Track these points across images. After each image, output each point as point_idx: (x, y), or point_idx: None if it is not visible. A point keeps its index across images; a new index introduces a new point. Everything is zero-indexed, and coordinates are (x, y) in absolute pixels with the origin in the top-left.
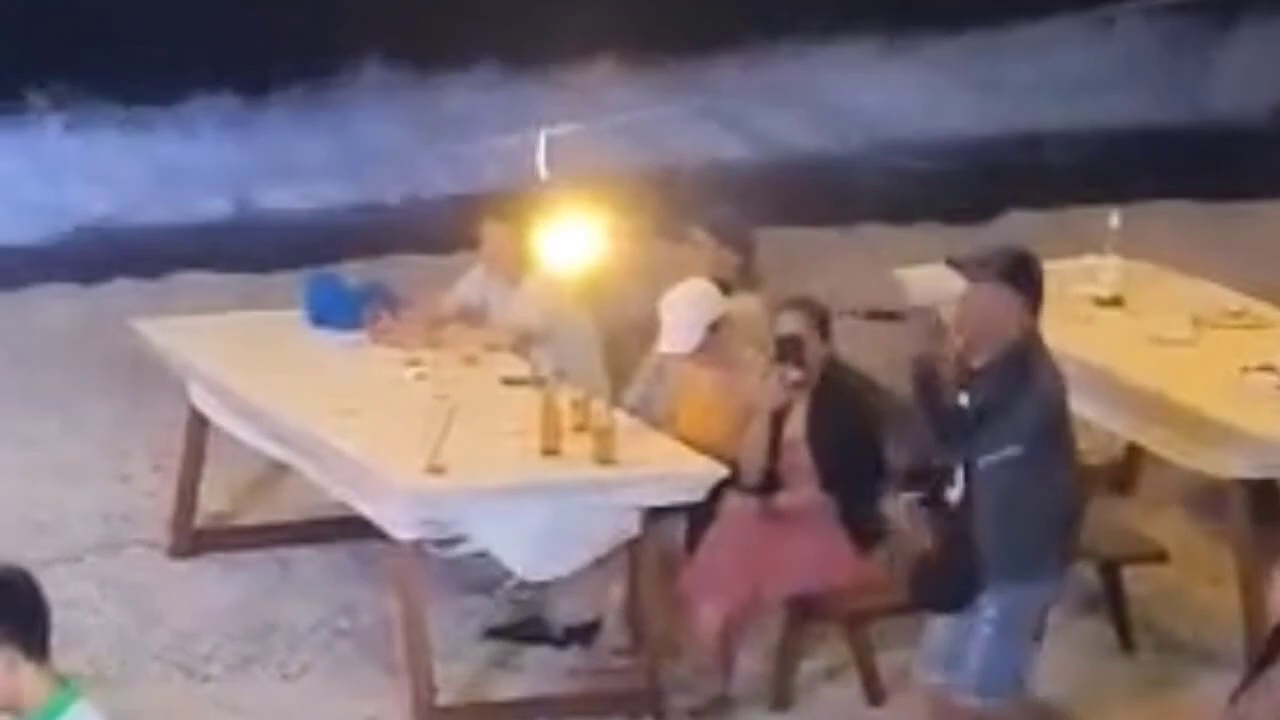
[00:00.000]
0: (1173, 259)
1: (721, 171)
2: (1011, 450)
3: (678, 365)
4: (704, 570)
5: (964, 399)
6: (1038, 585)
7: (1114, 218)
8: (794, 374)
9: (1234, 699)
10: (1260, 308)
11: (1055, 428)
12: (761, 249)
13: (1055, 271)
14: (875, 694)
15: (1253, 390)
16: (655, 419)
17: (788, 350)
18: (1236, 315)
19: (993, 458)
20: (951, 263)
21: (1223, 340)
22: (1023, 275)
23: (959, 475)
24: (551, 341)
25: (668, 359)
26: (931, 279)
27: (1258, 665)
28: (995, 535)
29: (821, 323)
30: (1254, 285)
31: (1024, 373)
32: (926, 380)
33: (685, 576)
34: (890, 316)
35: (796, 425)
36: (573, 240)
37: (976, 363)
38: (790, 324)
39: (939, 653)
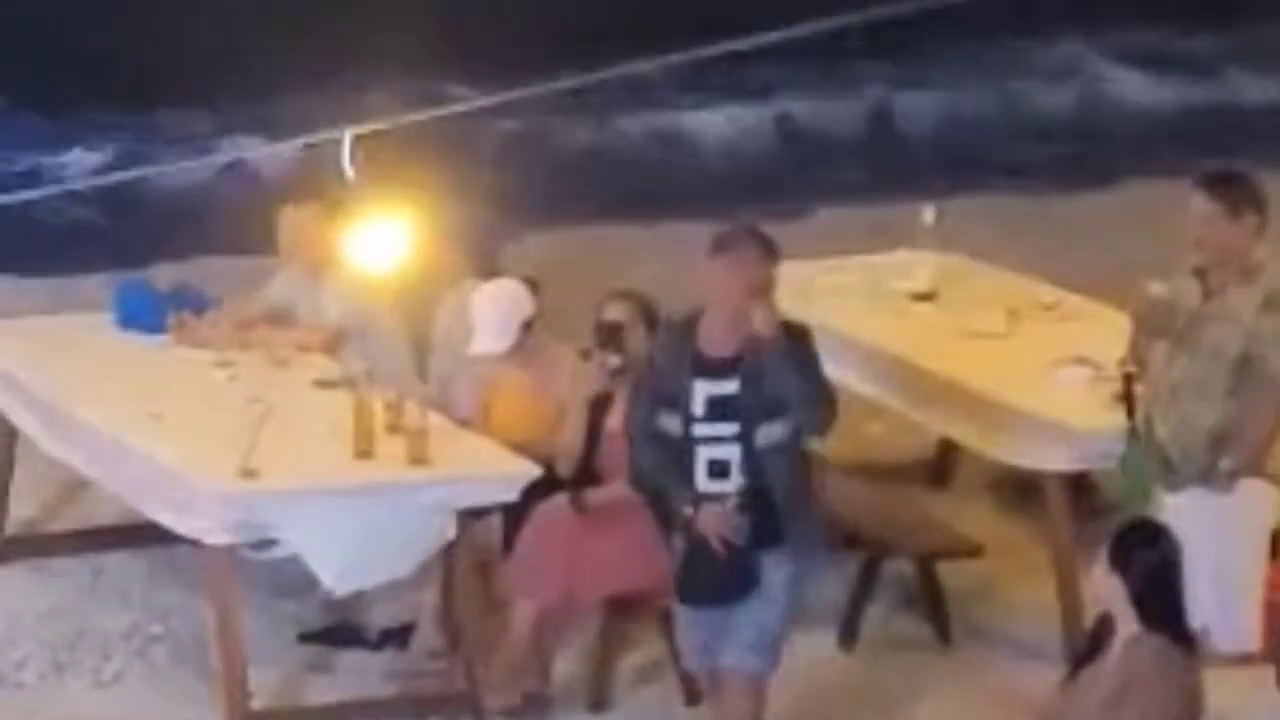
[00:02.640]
0: (988, 252)
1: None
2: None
3: (487, 365)
4: (518, 569)
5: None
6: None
7: (928, 213)
8: (614, 360)
9: (1061, 691)
10: (1074, 300)
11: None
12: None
13: (868, 266)
14: (692, 693)
15: (1066, 383)
16: (460, 417)
17: (608, 337)
18: (1050, 308)
19: (782, 438)
20: None
21: (1036, 333)
22: None
23: (738, 460)
24: (363, 340)
25: (480, 359)
26: None
27: (1081, 659)
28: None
29: (647, 315)
30: (1068, 277)
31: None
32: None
33: (500, 576)
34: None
35: (617, 418)
36: (380, 240)
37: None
38: (614, 312)
39: (701, 640)
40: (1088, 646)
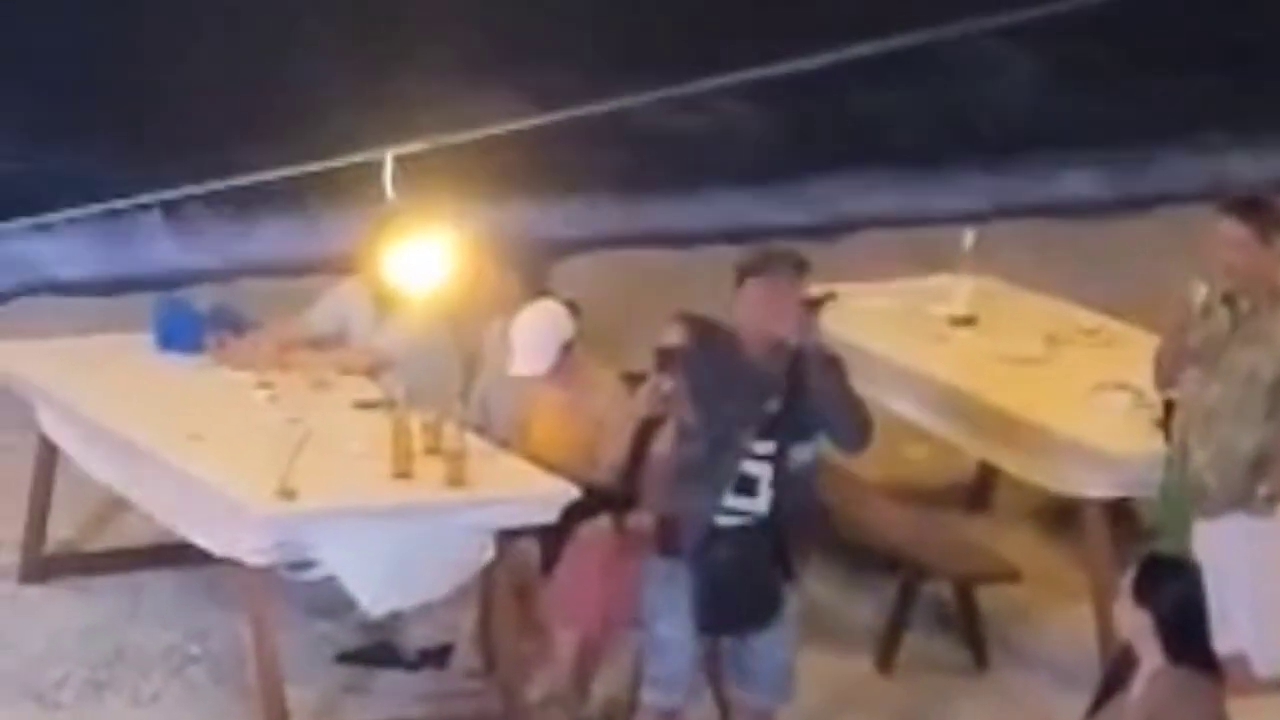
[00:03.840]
0: (1027, 277)
1: None
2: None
3: (526, 386)
4: (558, 595)
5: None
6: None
7: (968, 236)
8: (668, 384)
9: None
10: (1115, 325)
11: None
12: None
13: (907, 291)
14: (729, 717)
15: (1106, 408)
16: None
17: (666, 361)
18: (1091, 333)
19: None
20: None
21: (1076, 358)
22: None
23: (768, 478)
24: (409, 362)
25: (521, 380)
26: None
27: (1107, 688)
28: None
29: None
30: (1106, 302)
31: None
32: None
33: (539, 598)
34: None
35: (665, 442)
36: (426, 259)
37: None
38: (673, 336)
39: (682, 673)
40: (1108, 680)
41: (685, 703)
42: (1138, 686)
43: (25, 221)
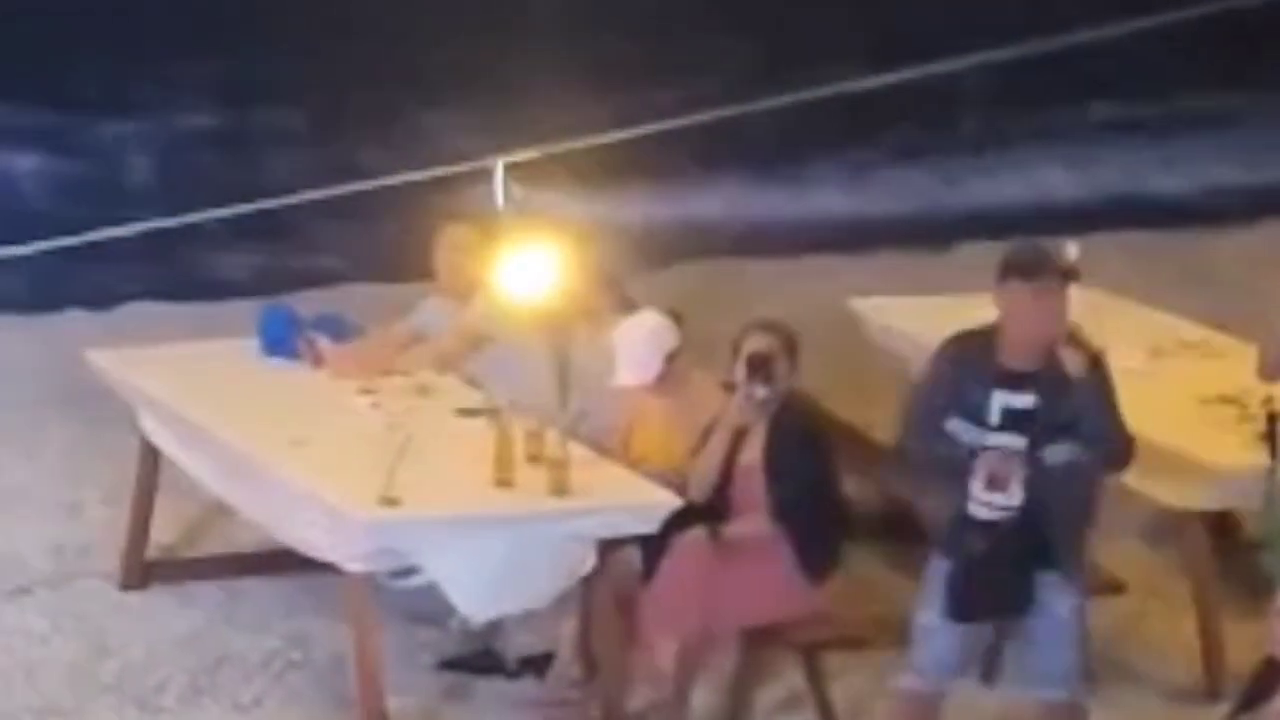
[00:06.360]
0: (1127, 288)
1: None
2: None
3: (631, 393)
4: (658, 602)
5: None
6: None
7: (1071, 248)
8: (761, 391)
9: None
10: (1218, 338)
11: None
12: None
13: None
14: None
15: (1212, 421)
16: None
17: (757, 368)
18: (1193, 345)
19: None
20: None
21: (1179, 370)
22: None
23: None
24: (507, 373)
25: (626, 390)
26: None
27: (1246, 701)
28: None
29: (790, 347)
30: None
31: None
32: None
33: (640, 609)
34: None
35: (755, 451)
36: (527, 268)
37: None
38: (760, 343)
39: (940, 660)
40: (1253, 690)
41: (944, 690)
42: None
43: None
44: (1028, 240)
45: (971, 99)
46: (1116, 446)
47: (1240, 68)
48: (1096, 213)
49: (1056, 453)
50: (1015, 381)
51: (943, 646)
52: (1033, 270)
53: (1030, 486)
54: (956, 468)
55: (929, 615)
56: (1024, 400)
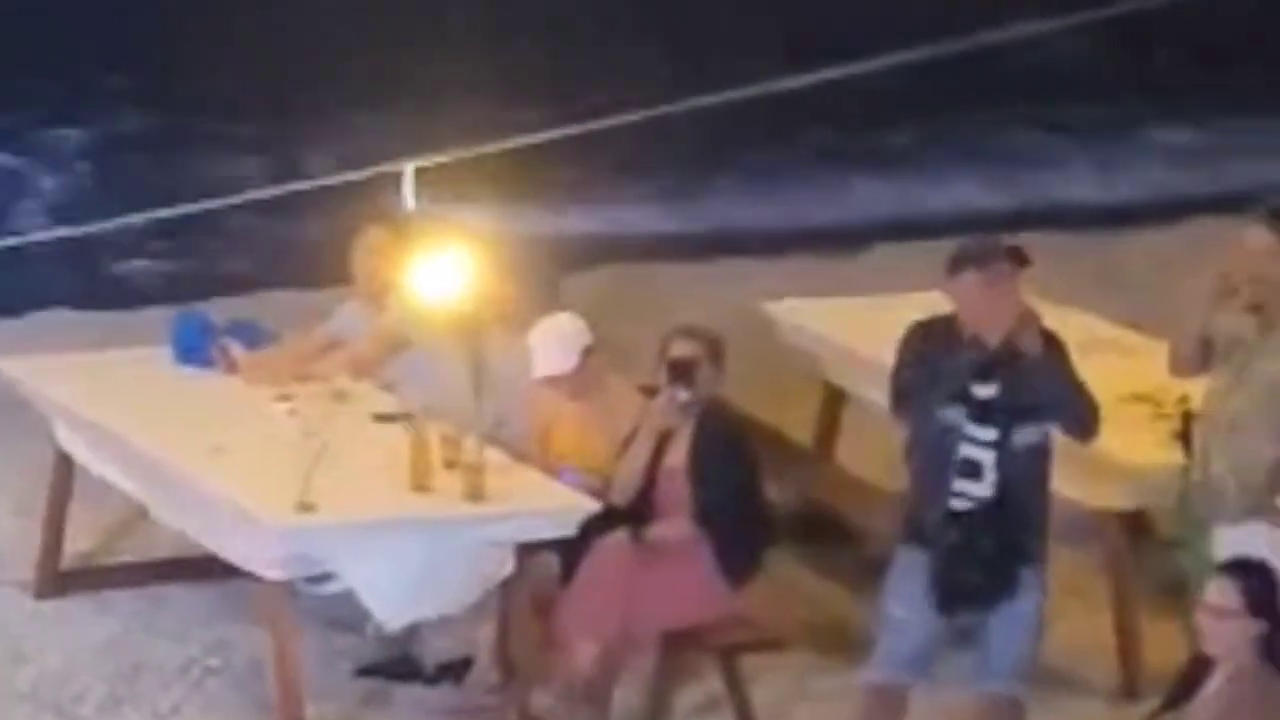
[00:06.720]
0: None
1: None
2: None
3: (546, 395)
4: (578, 604)
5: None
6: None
7: None
8: (684, 395)
9: None
10: (1132, 336)
11: None
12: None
13: (926, 304)
14: None
15: (1127, 420)
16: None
17: (680, 371)
18: (1108, 344)
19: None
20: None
21: (1093, 369)
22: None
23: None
24: (422, 379)
25: (540, 386)
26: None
27: (1173, 698)
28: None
29: (714, 352)
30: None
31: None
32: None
33: (559, 612)
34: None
35: (678, 455)
36: (439, 271)
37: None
38: (685, 347)
39: (910, 653)
40: (1180, 689)
41: (911, 683)
42: (1214, 684)
43: None
44: (972, 236)
45: (887, 101)
46: (1083, 413)
47: (1144, 72)
48: (1011, 214)
49: (1024, 435)
50: (979, 372)
51: (911, 639)
52: (984, 259)
53: (1001, 475)
54: (936, 454)
55: (897, 607)
56: (988, 390)
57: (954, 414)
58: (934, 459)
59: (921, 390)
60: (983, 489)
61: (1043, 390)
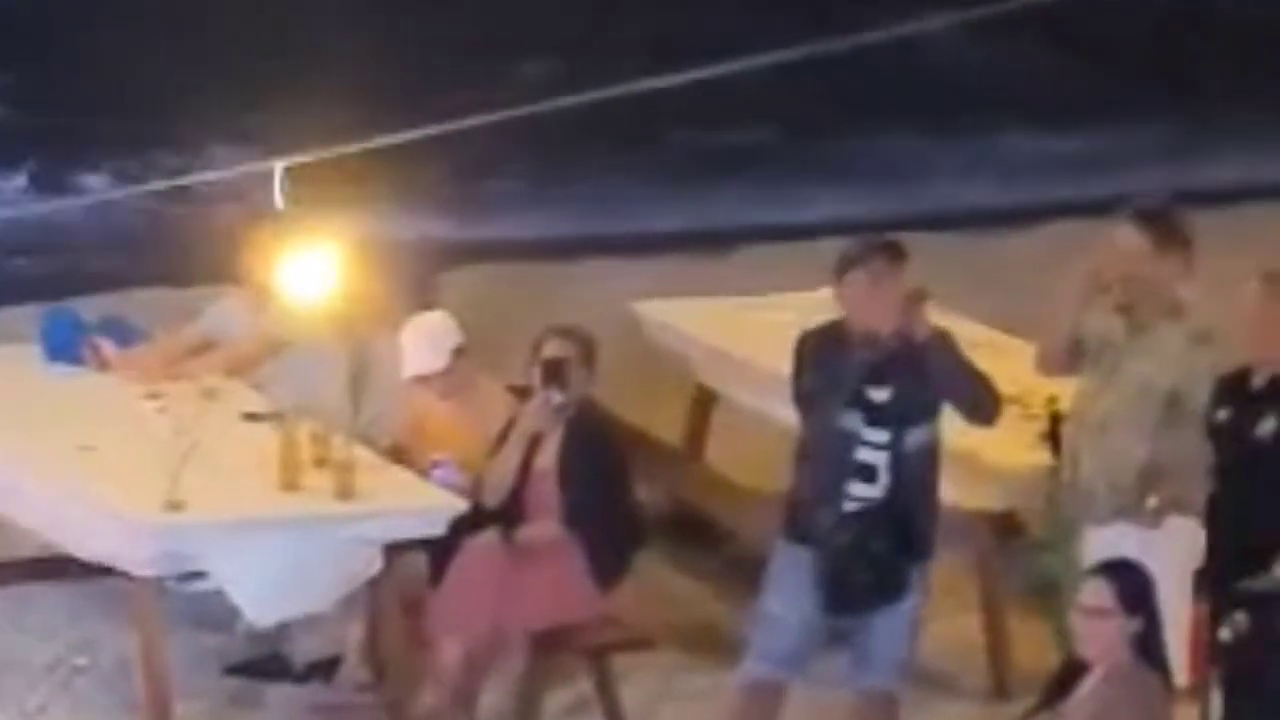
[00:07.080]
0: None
1: None
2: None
3: (417, 396)
4: (446, 604)
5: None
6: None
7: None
8: (557, 397)
9: None
10: (1000, 338)
11: None
12: None
13: (796, 305)
14: None
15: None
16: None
17: (553, 373)
18: (977, 346)
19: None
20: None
21: None
22: None
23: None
24: (295, 377)
25: (411, 385)
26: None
27: (1047, 698)
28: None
29: (587, 353)
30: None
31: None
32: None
33: (427, 610)
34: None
35: (549, 456)
36: (311, 269)
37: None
38: (557, 348)
39: (786, 650)
40: (1054, 690)
41: (788, 679)
42: (1090, 684)
43: None
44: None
45: (755, 102)
46: (981, 395)
47: (1013, 76)
48: (881, 216)
49: (916, 436)
50: (872, 374)
51: (788, 636)
52: (867, 258)
53: (894, 476)
54: (832, 457)
55: (775, 603)
56: (882, 393)
57: (851, 419)
58: (830, 462)
59: (820, 395)
60: (875, 490)
61: (938, 377)
